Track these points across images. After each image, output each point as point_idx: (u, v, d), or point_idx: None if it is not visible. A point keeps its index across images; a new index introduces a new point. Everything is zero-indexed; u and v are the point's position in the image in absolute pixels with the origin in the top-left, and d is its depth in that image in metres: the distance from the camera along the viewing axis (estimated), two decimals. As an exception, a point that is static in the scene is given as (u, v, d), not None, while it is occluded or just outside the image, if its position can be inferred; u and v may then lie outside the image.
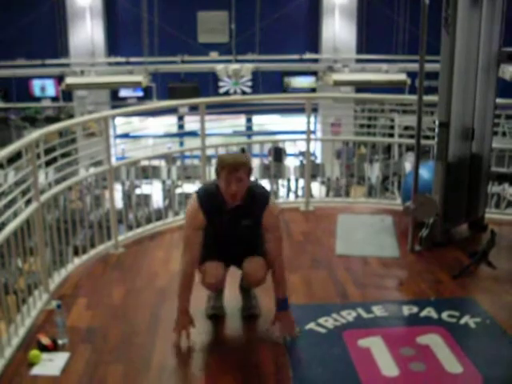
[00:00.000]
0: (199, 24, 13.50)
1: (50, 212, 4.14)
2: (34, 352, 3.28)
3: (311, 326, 3.58)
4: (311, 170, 11.53)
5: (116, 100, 13.78)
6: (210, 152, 5.86)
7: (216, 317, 3.65)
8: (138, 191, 11.80)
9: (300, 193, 11.62)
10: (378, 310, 3.76)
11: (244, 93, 13.64)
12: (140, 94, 13.60)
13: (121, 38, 13.28)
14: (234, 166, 3.16)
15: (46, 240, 4.14)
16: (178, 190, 11.87)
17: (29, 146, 3.62)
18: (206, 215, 3.28)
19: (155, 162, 12.74)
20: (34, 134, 3.67)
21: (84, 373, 3.18)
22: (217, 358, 3.31)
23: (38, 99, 13.40)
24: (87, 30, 12.74)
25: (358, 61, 12.83)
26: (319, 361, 3.25)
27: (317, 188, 11.87)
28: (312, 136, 5.85)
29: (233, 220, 3.33)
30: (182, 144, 15.15)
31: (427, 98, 5.07)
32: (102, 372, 3.18)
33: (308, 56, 13.33)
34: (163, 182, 12.00)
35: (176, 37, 12.80)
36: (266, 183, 11.64)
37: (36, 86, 13.16)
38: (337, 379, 3.11)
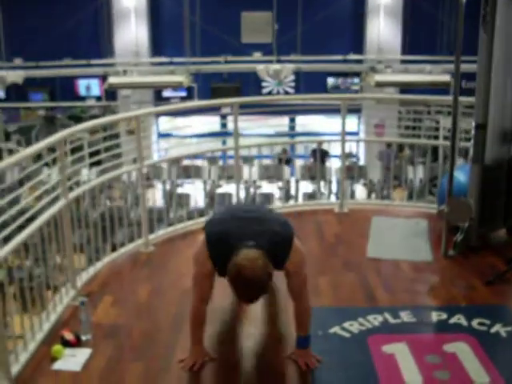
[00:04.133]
0: (243, 24, 13.54)
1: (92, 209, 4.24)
2: (57, 347, 3.32)
3: (336, 329, 3.51)
4: (353, 172, 11.49)
5: (160, 100, 13.95)
6: (244, 152, 5.84)
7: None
8: (179, 190, 11.99)
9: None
10: (405, 316, 3.66)
11: (287, 93, 13.62)
12: (183, 93, 13.74)
13: (165, 38, 13.44)
14: (249, 299, 2.82)
15: (87, 237, 4.26)
16: (219, 190, 11.96)
17: (58, 144, 3.67)
18: (216, 266, 2.92)
19: (198, 162, 12.88)
20: (63, 133, 3.71)
21: (104, 369, 3.19)
22: (235, 362, 3.28)
23: (83, 98, 13.69)
24: (132, 31, 12.94)
25: (403, 61, 12.64)
26: (340, 365, 3.19)
27: (360, 190, 11.78)
28: (352, 137, 5.75)
29: None
30: (224, 143, 15.31)
31: (467, 99, 4.96)
32: (122, 369, 3.19)
33: (352, 57, 13.22)
34: (204, 182, 12.07)
35: (219, 37, 12.87)
36: (306, 185, 11.63)
37: (81, 85, 13.46)
38: (357, 385, 3.05)
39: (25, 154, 3.50)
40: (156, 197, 12.01)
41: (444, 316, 3.64)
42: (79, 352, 3.34)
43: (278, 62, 12.31)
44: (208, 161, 12.82)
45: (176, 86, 11.38)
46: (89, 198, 6.61)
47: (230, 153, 6.64)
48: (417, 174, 10.47)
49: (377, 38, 12.89)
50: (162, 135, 14.80)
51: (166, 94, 13.78)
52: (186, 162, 12.42)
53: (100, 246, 4.49)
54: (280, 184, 11.90)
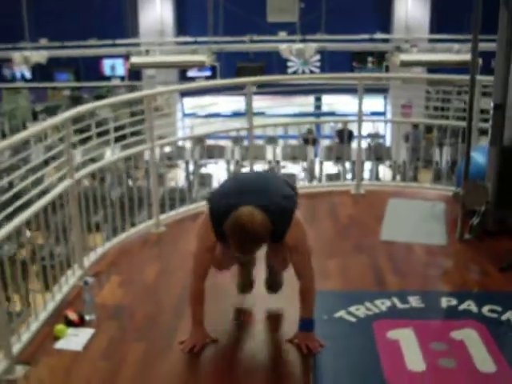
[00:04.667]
0: (268, 3, 13.34)
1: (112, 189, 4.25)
2: (60, 326, 3.33)
3: (341, 314, 3.44)
4: (378, 153, 11.29)
5: (184, 79, 13.91)
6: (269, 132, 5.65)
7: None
8: (202, 170, 11.98)
9: (367, 175, 11.37)
10: (414, 301, 3.57)
11: (312, 73, 13.44)
12: (208, 73, 13.65)
13: (189, 17, 13.35)
14: (246, 253, 2.90)
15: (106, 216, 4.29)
16: (243, 170, 11.91)
17: (63, 124, 3.64)
18: (218, 237, 2.92)
19: (221, 142, 12.84)
20: (68, 113, 3.68)
21: (106, 350, 3.19)
22: (237, 343, 3.25)
23: (108, 78, 13.71)
24: (156, 10, 12.87)
25: (430, 40, 12.34)
26: (344, 351, 3.12)
27: (386, 171, 11.60)
28: (377, 118, 5.63)
29: None
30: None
31: (486, 78, 4.82)
32: (123, 350, 3.18)
33: (379, 36, 12.95)
34: (227, 162, 12.03)
35: (244, 16, 12.71)
36: (330, 165, 11.51)
37: (106, 65, 13.48)
38: (358, 371, 2.97)
39: (30, 133, 3.47)
40: (179, 177, 12.09)
41: (454, 302, 3.54)
42: (82, 332, 3.34)
43: (303, 41, 12.14)
44: (233, 140, 12.73)
45: (198, 66, 11.30)
46: (111, 178, 6.66)
47: (257, 132, 6.63)
48: (444, 155, 10.27)
49: (404, 17, 12.60)
50: (186, 114, 14.80)
51: (191, 73, 13.71)
52: (209, 142, 12.41)
53: (119, 225, 4.52)
54: (304, 165, 11.82)
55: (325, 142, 13.09)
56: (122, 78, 13.76)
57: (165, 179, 9.95)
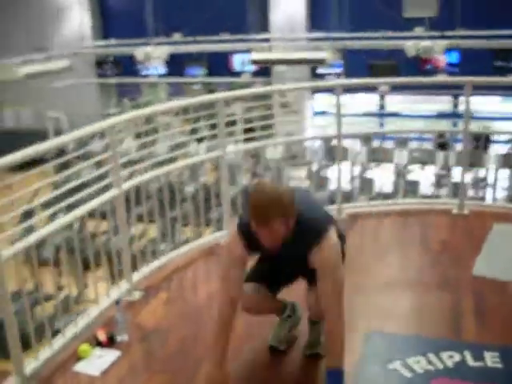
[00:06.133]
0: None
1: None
2: (84, 346, 3.14)
3: (396, 365, 2.92)
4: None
5: (315, 76, 13.52)
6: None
7: (275, 350, 3.04)
8: (323, 173, 11.53)
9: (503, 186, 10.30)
10: (490, 358, 2.95)
11: (451, 73, 12.46)
12: (338, 70, 13.17)
13: (319, 12, 12.90)
14: (261, 220, 2.41)
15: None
16: (367, 174, 11.32)
17: (108, 130, 3.44)
18: (247, 249, 2.61)
19: (346, 143, 12.28)
20: (112, 120, 3.47)
21: (123, 378, 2.95)
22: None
23: (238, 74, 13.67)
24: (288, 5, 12.59)
25: None
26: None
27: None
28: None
29: (278, 258, 2.68)
30: (381, 125, 14.53)
31: None
32: (141, 381, 2.92)
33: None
34: (352, 164, 11.47)
35: (379, 11, 12.05)
36: (458, 172, 10.52)
37: (236, 60, 13.43)
38: None
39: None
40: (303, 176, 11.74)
41: (542, 367, 2.88)
42: (107, 354, 3.13)
43: (442, 37, 11.24)
44: (362, 140, 12.10)
45: (319, 63, 10.86)
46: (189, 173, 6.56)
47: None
48: None
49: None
50: (318, 113, 14.43)
51: (321, 70, 13.29)
52: (334, 143, 11.92)
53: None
54: (434, 170, 10.98)
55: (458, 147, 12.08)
56: (253, 74, 13.66)
57: (283, 178, 9.65)
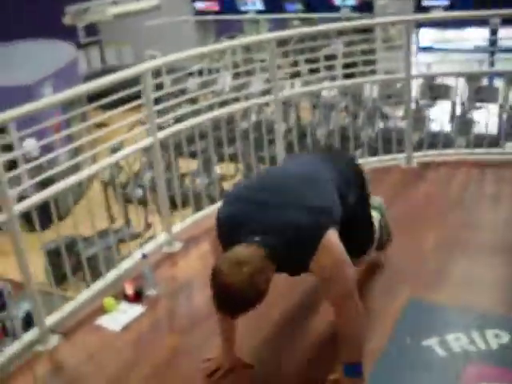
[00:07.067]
0: None
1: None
2: (108, 300, 3.08)
3: (431, 342, 2.61)
4: None
5: (419, 9, 12.62)
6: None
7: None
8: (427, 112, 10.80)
9: None
10: (547, 341, 2.58)
11: None
12: (445, 2, 12.20)
13: None
14: (223, 312, 2.08)
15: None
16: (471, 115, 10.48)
17: (142, 75, 3.26)
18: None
19: (449, 81, 11.41)
20: (149, 64, 3.29)
21: (141, 336, 2.86)
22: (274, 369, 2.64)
23: (338, 8, 13.02)
24: None
25: None
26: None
27: None
28: None
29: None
30: (492, 64, 13.38)
31: None
32: (156, 341, 2.82)
33: None
34: (453, 104, 10.65)
35: None
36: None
37: (336, -6, 12.78)
38: None
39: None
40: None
41: None
42: (131, 309, 3.06)
43: None
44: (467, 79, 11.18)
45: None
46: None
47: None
48: None
49: None
50: (423, 48, 13.52)
51: (427, 2, 12.35)
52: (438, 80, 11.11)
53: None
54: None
55: None
56: (354, 8, 12.95)
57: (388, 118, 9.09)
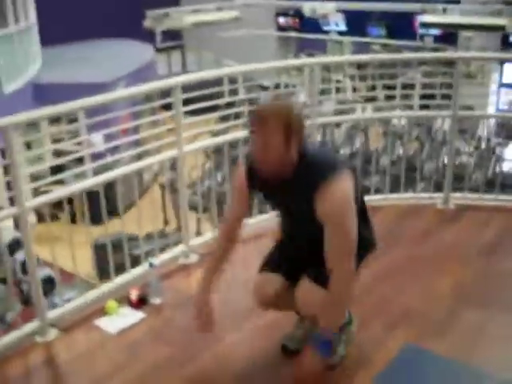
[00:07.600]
0: None
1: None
2: (111, 303, 3.16)
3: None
4: None
5: (506, 45, 12.22)
6: None
7: (287, 350, 2.75)
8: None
9: None
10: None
11: None
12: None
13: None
14: (258, 120, 2.17)
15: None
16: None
17: (172, 89, 3.32)
18: (249, 181, 2.42)
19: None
20: (176, 79, 3.35)
21: (132, 344, 2.92)
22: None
23: (421, 37, 12.81)
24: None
25: None
26: None
27: None
28: None
29: (280, 198, 2.40)
30: None
31: None
32: (148, 351, 2.86)
33: None
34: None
35: None
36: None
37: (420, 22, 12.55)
38: None
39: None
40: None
41: None
42: (132, 315, 3.14)
43: None
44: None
45: (497, 31, 9.67)
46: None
47: None
48: None
49: None
50: (504, 85, 13.08)
51: (513, 38, 11.94)
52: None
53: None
54: None
55: None
56: (436, 38, 12.71)
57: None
